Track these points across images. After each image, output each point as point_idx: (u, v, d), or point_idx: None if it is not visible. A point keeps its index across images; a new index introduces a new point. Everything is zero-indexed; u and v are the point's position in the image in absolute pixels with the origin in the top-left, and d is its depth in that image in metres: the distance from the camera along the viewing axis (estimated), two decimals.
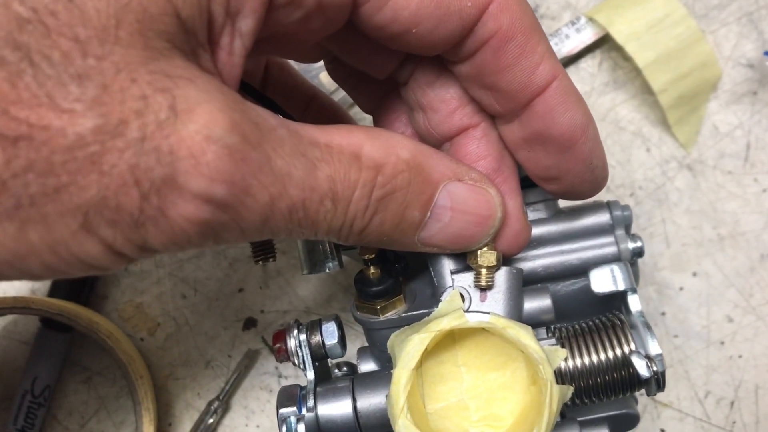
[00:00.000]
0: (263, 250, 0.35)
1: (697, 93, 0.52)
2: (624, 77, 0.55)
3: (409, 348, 0.32)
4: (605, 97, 0.55)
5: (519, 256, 0.39)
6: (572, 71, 0.55)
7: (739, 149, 0.53)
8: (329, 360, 0.39)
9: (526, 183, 0.40)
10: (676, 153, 0.54)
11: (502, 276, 0.35)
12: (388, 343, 0.34)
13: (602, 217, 0.39)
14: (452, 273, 0.36)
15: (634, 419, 0.39)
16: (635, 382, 0.35)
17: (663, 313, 0.52)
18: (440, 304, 0.34)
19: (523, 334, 0.32)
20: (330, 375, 0.40)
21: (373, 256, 0.36)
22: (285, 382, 0.55)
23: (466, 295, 0.35)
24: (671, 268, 0.53)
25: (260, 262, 0.36)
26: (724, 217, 0.53)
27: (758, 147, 0.53)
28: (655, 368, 0.33)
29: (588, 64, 0.55)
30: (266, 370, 0.55)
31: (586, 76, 0.55)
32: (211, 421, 0.52)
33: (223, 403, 0.53)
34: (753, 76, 0.54)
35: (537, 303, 0.36)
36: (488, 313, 0.33)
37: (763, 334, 0.51)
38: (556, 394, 0.32)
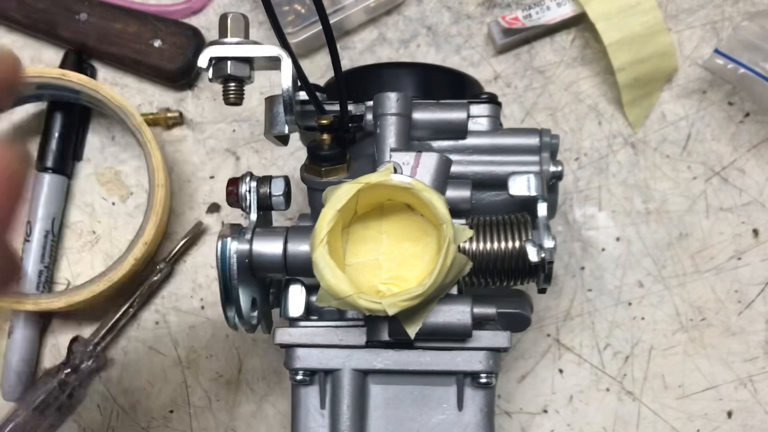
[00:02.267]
0: (236, 93, 0.40)
1: (651, 79, 0.58)
2: (591, 56, 0.61)
3: (339, 193, 0.38)
4: (571, 71, 0.60)
5: (455, 158, 0.44)
6: (547, 42, 0.61)
7: (680, 138, 0.59)
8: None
9: (475, 98, 0.45)
10: (624, 131, 0.59)
11: (433, 159, 0.41)
12: (323, 194, 0.40)
13: (532, 139, 0.44)
14: (392, 150, 0.42)
15: (525, 321, 0.44)
16: (526, 269, 0.40)
17: (582, 268, 0.57)
18: (375, 172, 0.40)
19: (436, 198, 0.37)
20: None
21: (328, 123, 0.41)
22: None
23: (398, 168, 0.40)
24: (598, 230, 0.58)
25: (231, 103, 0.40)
26: (654, 194, 0.58)
27: (697, 140, 0.59)
28: (543, 255, 0.39)
29: (563, 38, 0.61)
30: None
31: (559, 49, 0.61)
32: (155, 279, 0.57)
33: (168, 266, 0.58)
34: (705, 77, 0.59)
35: (457, 192, 0.42)
36: (412, 178, 0.38)
37: (667, 303, 0.57)
38: (452, 252, 0.37)
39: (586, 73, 0.60)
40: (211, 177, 0.61)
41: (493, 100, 0.45)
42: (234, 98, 0.39)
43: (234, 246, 0.39)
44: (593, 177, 0.59)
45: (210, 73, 0.39)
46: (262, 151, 0.61)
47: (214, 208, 0.61)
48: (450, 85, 0.48)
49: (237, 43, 0.38)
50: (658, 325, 0.57)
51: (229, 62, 0.39)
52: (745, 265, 0.57)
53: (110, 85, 0.63)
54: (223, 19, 0.39)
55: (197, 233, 0.60)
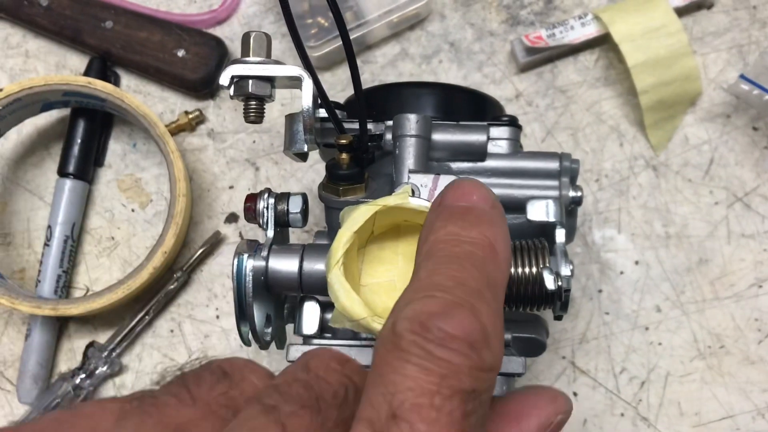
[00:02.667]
0: (256, 111, 0.40)
1: (675, 102, 0.58)
2: (615, 77, 0.60)
3: (356, 215, 0.38)
4: (594, 91, 0.60)
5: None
6: (570, 61, 0.61)
7: (702, 162, 0.58)
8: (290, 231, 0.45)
9: (496, 120, 0.45)
10: (645, 153, 0.59)
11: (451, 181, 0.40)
12: (341, 214, 0.39)
13: (552, 164, 0.44)
14: (410, 172, 0.41)
15: (540, 346, 0.44)
16: (543, 296, 0.39)
17: (600, 291, 0.57)
18: (393, 194, 0.39)
19: None
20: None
21: (347, 143, 0.41)
22: None
23: (416, 191, 0.40)
24: (617, 252, 0.57)
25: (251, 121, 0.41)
26: (674, 218, 0.57)
27: (720, 164, 0.58)
28: (560, 284, 0.38)
29: (586, 58, 0.61)
30: None
31: (582, 68, 0.60)
32: (171, 287, 0.58)
33: (185, 274, 0.58)
34: (730, 101, 0.59)
35: None
36: (430, 201, 0.38)
37: (685, 329, 0.56)
38: None
39: (609, 94, 0.60)
40: (231, 187, 0.61)
41: (513, 122, 0.45)
42: (254, 116, 0.40)
43: (250, 264, 0.39)
44: (613, 199, 0.58)
45: (231, 91, 0.39)
46: (282, 162, 0.61)
47: (232, 218, 0.61)
48: (471, 105, 0.48)
49: (259, 63, 0.39)
50: (675, 351, 0.56)
51: (250, 81, 0.39)
52: (766, 293, 0.56)
53: (133, 92, 0.63)
54: (245, 37, 0.39)
55: (215, 243, 0.60)
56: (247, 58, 0.39)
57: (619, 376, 0.56)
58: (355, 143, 0.41)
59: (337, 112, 0.44)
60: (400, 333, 0.25)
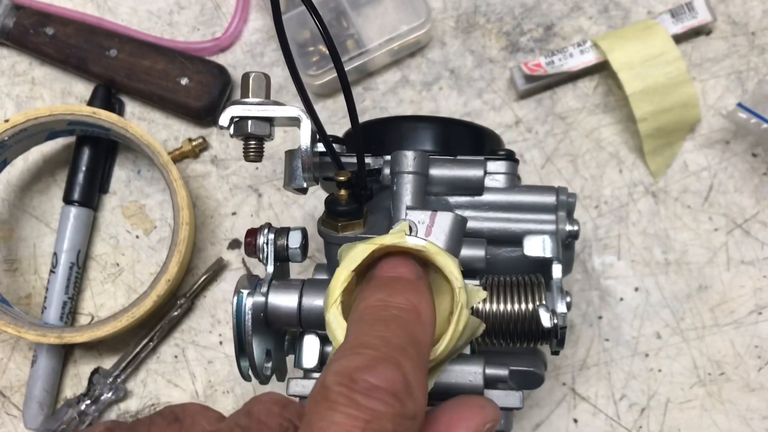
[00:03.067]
0: (255, 151, 0.40)
1: (674, 129, 0.58)
2: (614, 104, 0.60)
3: (353, 253, 0.38)
4: (593, 117, 0.60)
5: (471, 215, 0.44)
6: (570, 88, 0.61)
7: (702, 188, 0.58)
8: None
9: (492, 154, 0.46)
10: (645, 179, 0.59)
11: (448, 219, 0.41)
12: (339, 251, 0.40)
13: (549, 198, 0.44)
14: (408, 209, 0.42)
15: (538, 379, 0.44)
16: (539, 333, 0.40)
17: (600, 317, 0.57)
18: (390, 231, 0.40)
19: (449, 263, 0.38)
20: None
21: (345, 179, 0.42)
22: None
23: (414, 228, 0.41)
24: (617, 279, 0.58)
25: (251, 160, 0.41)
26: (674, 245, 0.58)
27: (719, 191, 0.58)
28: (556, 321, 0.39)
29: (585, 84, 0.61)
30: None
31: (581, 95, 0.61)
32: (175, 314, 0.58)
33: (188, 301, 0.59)
34: (729, 128, 0.59)
35: (472, 251, 0.42)
36: (426, 240, 0.38)
37: (685, 356, 0.56)
38: (464, 317, 0.37)
39: (608, 120, 0.60)
40: (233, 213, 0.62)
41: (510, 156, 0.45)
42: (254, 155, 0.40)
43: (250, 301, 0.40)
44: (613, 225, 0.58)
45: (231, 131, 0.40)
46: (284, 191, 0.62)
47: (235, 244, 0.62)
48: (469, 139, 0.48)
49: (258, 103, 0.39)
50: (675, 377, 0.56)
51: (249, 121, 0.39)
52: (765, 320, 0.56)
53: (138, 119, 0.64)
54: (245, 78, 0.40)
55: (218, 269, 0.61)
56: (246, 99, 0.40)
57: (620, 402, 0.56)
58: (354, 180, 0.42)
59: (336, 146, 0.44)
60: (329, 386, 0.28)
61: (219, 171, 0.63)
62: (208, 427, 0.28)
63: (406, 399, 0.29)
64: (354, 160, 0.43)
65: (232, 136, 0.41)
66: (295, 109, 0.39)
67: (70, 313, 0.60)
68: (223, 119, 0.39)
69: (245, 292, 0.40)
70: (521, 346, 0.41)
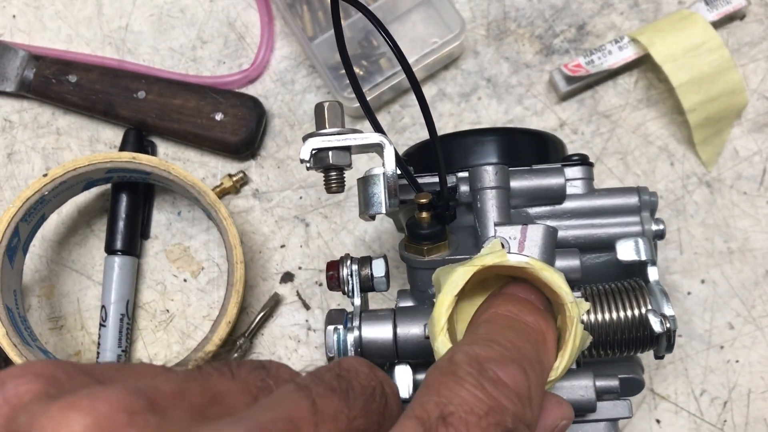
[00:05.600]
0: (337, 181, 0.39)
1: (723, 117, 0.57)
2: (657, 97, 0.60)
3: (454, 277, 0.37)
4: (638, 113, 0.60)
5: (553, 224, 0.43)
6: (610, 85, 0.60)
7: (755, 173, 0.58)
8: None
9: (566, 160, 0.45)
10: (697, 170, 0.58)
11: (539, 232, 0.40)
12: (434, 276, 0.39)
13: (631, 199, 0.43)
14: (496, 225, 0.41)
15: (639, 385, 0.43)
16: (648, 339, 0.39)
17: None
18: (483, 249, 0.39)
19: (556, 278, 0.36)
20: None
21: (426, 201, 0.40)
22: (314, 335, 0.59)
23: (505, 244, 0.40)
24: (682, 273, 0.57)
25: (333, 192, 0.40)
26: (735, 233, 0.57)
27: None
28: (668, 326, 0.38)
29: (625, 80, 0.61)
30: (296, 322, 0.59)
31: (623, 91, 0.60)
32: (235, 356, 0.57)
33: (247, 341, 0.57)
34: None
35: (567, 262, 0.41)
36: (528, 255, 0.37)
37: (761, 344, 0.55)
38: (579, 332, 0.36)
39: (653, 114, 0.60)
40: (282, 246, 0.61)
41: (585, 161, 0.44)
42: (336, 187, 0.39)
43: (351, 338, 0.38)
44: (671, 219, 0.58)
45: (310, 164, 0.39)
46: (331, 216, 0.61)
47: (287, 277, 0.60)
48: (534, 147, 0.47)
49: (337, 133, 0.38)
50: (753, 367, 0.55)
51: (330, 152, 0.38)
52: None
53: (172, 160, 0.63)
54: (319, 109, 0.39)
55: (273, 305, 0.59)
56: (323, 130, 0.38)
57: (700, 398, 0.55)
58: (435, 200, 0.41)
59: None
60: (458, 363, 0.29)
61: (262, 204, 0.61)
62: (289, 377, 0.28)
63: (526, 405, 0.29)
64: (424, 180, 0.42)
65: (309, 168, 0.39)
66: (377, 136, 0.38)
67: None
68: (304, 153, 0.38)
69: (341, 328, 0.39)
70: (627, 354, 0.40)
